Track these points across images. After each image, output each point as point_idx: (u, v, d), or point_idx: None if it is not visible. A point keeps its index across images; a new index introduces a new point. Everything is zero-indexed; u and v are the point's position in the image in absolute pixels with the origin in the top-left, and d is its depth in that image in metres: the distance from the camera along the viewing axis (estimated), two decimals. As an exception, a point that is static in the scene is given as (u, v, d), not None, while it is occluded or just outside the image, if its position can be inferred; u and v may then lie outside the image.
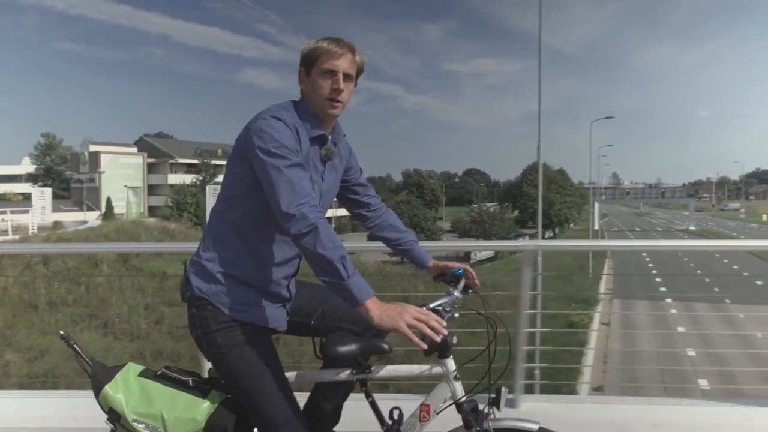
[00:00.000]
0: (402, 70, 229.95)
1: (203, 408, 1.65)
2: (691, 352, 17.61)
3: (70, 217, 39.13)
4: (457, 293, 1.85)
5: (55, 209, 40.46)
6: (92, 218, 36.46)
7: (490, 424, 1.66)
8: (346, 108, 1.77)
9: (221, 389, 1.71)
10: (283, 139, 1.60)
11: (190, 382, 1.69)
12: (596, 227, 58.59)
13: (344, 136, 1.89)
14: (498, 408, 1.67)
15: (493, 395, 1.67)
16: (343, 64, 1.71)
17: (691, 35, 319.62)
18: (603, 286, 28.21)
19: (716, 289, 25.45)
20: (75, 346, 1.75)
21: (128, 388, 1.66)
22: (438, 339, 1.50)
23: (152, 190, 49.37)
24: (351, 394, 1.96)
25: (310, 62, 1.73)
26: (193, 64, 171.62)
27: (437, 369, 1.70)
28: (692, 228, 65.70)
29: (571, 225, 66.19)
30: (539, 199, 18.92)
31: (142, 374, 1.70)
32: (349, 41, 1.75)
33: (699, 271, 31.98)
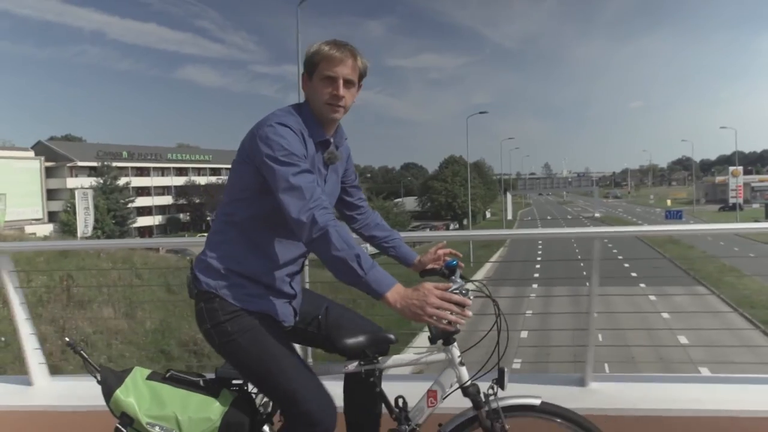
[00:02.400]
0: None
1: (216, 407, 1.64)
2: (524, 334, 18.98)
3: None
4: (460, 280, 1.85)
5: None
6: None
7: (498, 402, 1.74)
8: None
9: (231, 389, 1.72)
10: (290, 146, 1.60)
11: (201, 383, 1.69)
12: (509, 217, 60.68)
13: (346, 139, 1.90)
14: (503, 387, 1.73)
15: (496, 376, 1.73)
16: (343, 70, 1.70)
17: (620, 33, 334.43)
18: (481, 274, 29.54)
19: (584, 273, 27.04)
20: (82, 352, 1.72)
21: (138, 391, 1.65)
22: (463, 322, 1.53)
23: (52, 194, 47.52)
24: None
25: (311, 67, 1.73)
26: (130, 62, 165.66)
27: (442, 355, 1.76)
28: (597, 215, 69.12)
29: (487, 215, 68.03)
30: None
31: (150, 377, 1.69)
32: (351, 45, 1.74)
33: (579, 257, 33.86)
